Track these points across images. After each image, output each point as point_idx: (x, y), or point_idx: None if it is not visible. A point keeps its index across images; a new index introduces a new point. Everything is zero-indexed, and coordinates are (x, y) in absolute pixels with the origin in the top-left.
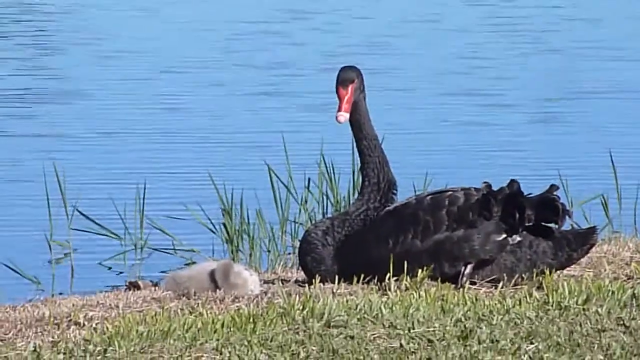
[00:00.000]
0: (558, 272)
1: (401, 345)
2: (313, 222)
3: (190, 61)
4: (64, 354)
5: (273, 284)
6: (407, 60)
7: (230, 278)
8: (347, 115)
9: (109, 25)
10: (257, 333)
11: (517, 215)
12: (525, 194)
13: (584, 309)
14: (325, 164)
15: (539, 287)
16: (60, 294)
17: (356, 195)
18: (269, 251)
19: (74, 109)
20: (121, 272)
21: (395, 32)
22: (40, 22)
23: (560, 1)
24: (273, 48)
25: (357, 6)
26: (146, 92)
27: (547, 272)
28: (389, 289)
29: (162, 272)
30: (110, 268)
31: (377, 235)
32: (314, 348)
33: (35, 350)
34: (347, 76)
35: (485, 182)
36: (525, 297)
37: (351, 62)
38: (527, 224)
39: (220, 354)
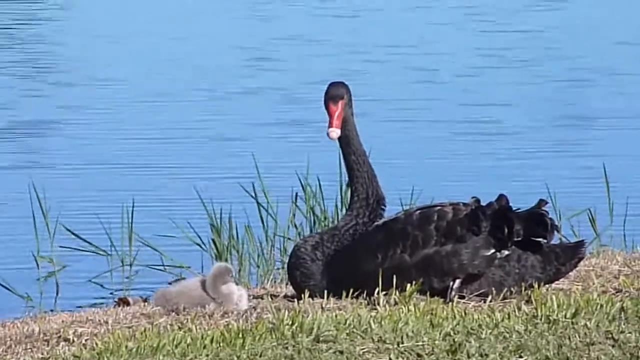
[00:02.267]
0: (546, 285)
1: (390, 359)
2: (302, 237)
3: (177, 83)
4: None
5: (262, 299)
6: (397, 86)
7: (223, 283)
8: (339, 131)
9: (90, 51)
10: (247, 348)
11: (506, 231)
12: (514, 208)
13: (572, 323)
14: (299, 179)
15: (528, 301)
16: (52, 310)
17: (344, 210)
18: (258, 266)
19: (59, 132)
20: (111, 289)
21: (382, 58)
22: (22, 49)
23: (549, 27)
24: (257, 71)
25: (344, 31)
26: (133, 112)
27: (536, 285)
28: (378, 304)
29: (150, 288)
30: (99, 285)
31: (366, 250)
32: None
33: None
34: (337, 92)
35: (473, 197)
36: (514, 310)
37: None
38: (516, 239)
39: None
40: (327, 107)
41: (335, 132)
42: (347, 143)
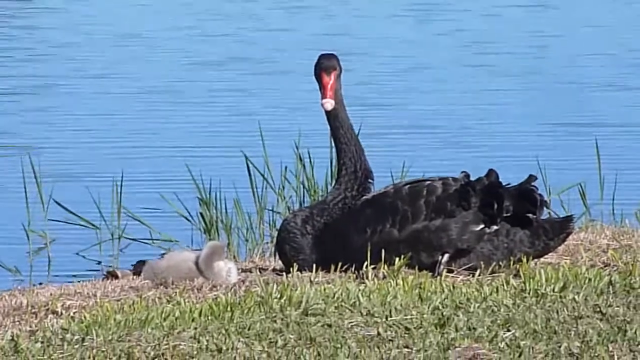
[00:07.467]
0: (535, 260)
1: (378, 333)
2: (291, 210)
3: (170, 52)
4: (42, 342)
5: (251, 272)
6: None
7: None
8: (334, 102)
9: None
10: (235, 321)
11: (496, 206)
12: (503, 184)
13: (560, 297)
14: (296, 152)
15: (516, 275)
16: (40, 283)
17: (333, 184)
18: (247, 240)
19: (50, 101)
20: (100, 262)
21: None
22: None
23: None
24: (246, 41)
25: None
26: (123, 84)
27: (524, 260)
28: (367, 278)
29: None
30: (89, 258)
31: (356, 224)
32: (291, 336)
33: (12, 339)
34: (330, 64)
35: (463, 172)
36: (503, 284)
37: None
38: (505, 215)
39: (198, 342)
40: (319, 78)
41: (330, 103)
42: (336, 116)
